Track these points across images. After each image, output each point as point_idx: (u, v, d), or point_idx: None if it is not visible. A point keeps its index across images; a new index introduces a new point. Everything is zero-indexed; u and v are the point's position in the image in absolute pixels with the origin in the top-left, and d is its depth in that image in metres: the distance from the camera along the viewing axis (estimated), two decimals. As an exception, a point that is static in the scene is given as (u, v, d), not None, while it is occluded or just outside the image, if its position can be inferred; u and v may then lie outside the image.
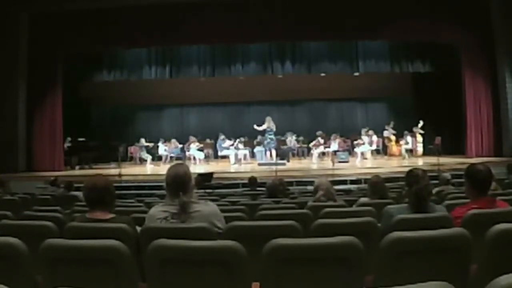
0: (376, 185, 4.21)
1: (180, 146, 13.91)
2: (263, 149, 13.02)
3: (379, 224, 2.67)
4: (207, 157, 13.82)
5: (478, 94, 11.99)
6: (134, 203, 5.04)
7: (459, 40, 12.15)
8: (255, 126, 12.69)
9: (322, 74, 14.17)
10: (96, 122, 15.78)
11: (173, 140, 13.99)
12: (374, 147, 13.35)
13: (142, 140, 13.67)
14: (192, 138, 13.54)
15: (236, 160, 12.82)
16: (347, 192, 6.73)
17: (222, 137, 13.45)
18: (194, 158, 13.32)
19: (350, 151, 13.54)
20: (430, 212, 2.63)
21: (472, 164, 2.86)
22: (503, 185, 5.59)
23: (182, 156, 13.66)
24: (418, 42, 12.83)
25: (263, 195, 5.49)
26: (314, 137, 13.45)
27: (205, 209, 2.54)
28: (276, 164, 10.75)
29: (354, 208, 3.78)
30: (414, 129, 13.30)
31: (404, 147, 13.19)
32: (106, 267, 1.87)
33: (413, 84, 15.11)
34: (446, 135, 13.14)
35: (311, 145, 13.50)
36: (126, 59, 13.75)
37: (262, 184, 6.78)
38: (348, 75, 14.24)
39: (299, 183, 9.14)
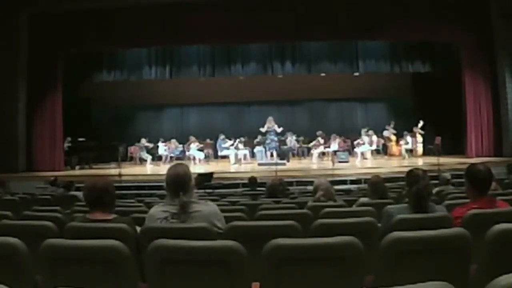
0: (376, 185, 4.21)
1: (180, 146, 13.90)
2: (263, 149, 13.02)
3: (379, 224, 2.67)
4: (207, 157, 13.81)
5: (478, 94, 11.97)
6: (134, 203, 5.04)
7: (459, 40, 12.15)
8: (261, 129, 12.70)
9: (322, 74, 14.16)
10: (96, 122, 15.74)
11: (173, 140, 13.98)
12: (374, 147, 13.33)
13: (143, 140, 13.65)
14: (192, 138, 13.53)
15: (236, 160, 12.81)
16: (347, 192, 6.73)
17: (222, 137, 13.44)
18: (194, 158, 13.31)
19: (350, 151, 13.52)
20: (430, 212, 2.63)
21: (472, 164, 2.86)
22: (503, 185, 5.59)
23: (182, 156, 13.66)
24: (418, 42, 12.82)
25: (263, 195, 5.48)
26: (314, 137, 13.44)
27: (205, 209, 2.54)
28: (276, 164, 10.75)
29: (354, 208, 3.78)
30: (414, 129, 13.28)
31: (404, 147, 13.18)
32: (106, 267, 1.87)
33: (413, 84, 15.09)
34: (446, 135, 13.10)
35: (311, 145, 13.50)
36: (126, 59, 13.74)
37: (262, 184, 6.78)
38: (348, 75, 14.23)
39: (299, 183, 9.14)
